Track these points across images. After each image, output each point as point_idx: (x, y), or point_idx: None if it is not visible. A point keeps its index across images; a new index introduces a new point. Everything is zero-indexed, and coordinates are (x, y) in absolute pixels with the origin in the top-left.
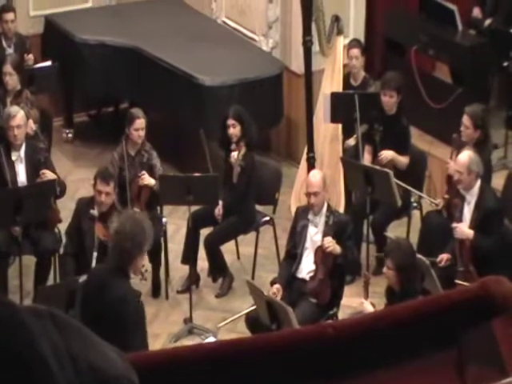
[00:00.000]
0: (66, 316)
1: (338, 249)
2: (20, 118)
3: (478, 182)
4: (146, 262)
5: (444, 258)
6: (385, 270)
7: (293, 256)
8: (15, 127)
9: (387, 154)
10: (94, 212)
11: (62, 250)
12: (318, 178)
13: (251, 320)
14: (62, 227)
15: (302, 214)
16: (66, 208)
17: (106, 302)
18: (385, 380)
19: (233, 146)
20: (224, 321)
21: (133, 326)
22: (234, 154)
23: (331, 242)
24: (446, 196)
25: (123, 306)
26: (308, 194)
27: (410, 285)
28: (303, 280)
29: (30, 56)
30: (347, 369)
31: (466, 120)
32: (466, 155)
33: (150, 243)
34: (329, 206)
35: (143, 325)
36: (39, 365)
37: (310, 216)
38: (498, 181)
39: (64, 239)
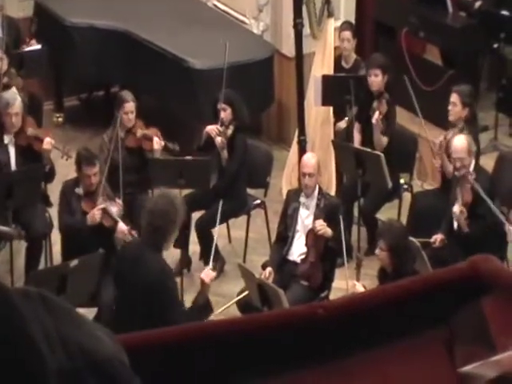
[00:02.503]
0: (56, 298)
1: (329, 232)
2: (18, 106)
3: (473, 162)
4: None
5: (438, 238)
6: (377, 251)
7: (284, 239)
8: (13, 115)
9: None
10: (79, 190)
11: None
12: (312, 160)
13: (243, 303)
14: (52, 211)
15: (294, 196)
16: (57, 192)
17: (143, 276)
18: (375, 359)
19: (222, 129)
20: (215, 304)
21: (172, 298)
22: (219, 139)
23: (322, 224)
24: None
25: (162, 279)
26: (303, 174)
27: (403, 265)
28: (294, 263)
29: (33, 41)
30: (338, 349)
31: (453, 98)
32: (463, 139)
33: (182, 218)
34: (320, 188)
35: (179, 297)
36: (30, 349)
37: (302, 198)
38: (488, 162)
39: (55, 223)
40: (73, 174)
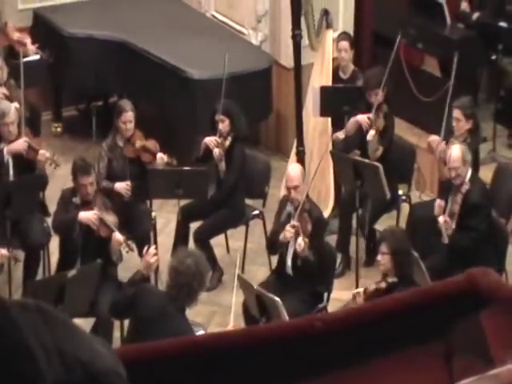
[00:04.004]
0: (53, 310)
1: (306, 251)
2: (13, 114)
3: (470, 172)
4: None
5: (442, 219)
6: (379, 257)
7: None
8: (10, 124)
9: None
10: (77, 200)
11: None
12: (297, 172)
13: (246, 312)
14: (50, 221)
15: (286, 203)
16: (55, 201)
17: (163, 335)
18: (373, 371)
19: (220, 140)
20: (213, 314)
21: None
22: (216, 151)
23: (303, 245)
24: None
25: None
26: (288, 189)
27: (405, 270)
28: (289, 276)
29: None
30: (336, 360)
31: (456, 113)
32: (458, 149)
33: (208, 279)
34: (307, 198)
35: None
36: (27, 361)
37: (289, 208)
38: (486, 173)
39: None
40: (71, 184)
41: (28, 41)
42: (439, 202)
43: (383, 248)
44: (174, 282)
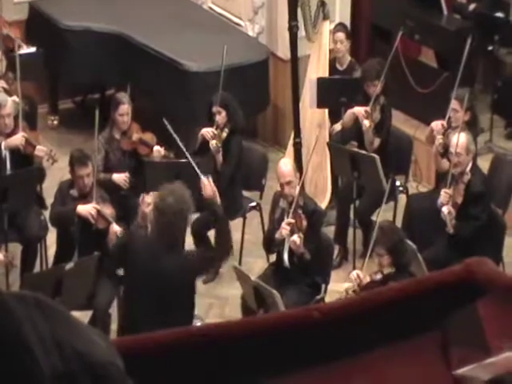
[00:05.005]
0: (51, 302)
1: (301, 248)
2: (9, 107)
3: (471, 163)
4: None
5: (447, 210)
6: (378, 260)
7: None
8: (5, 116)
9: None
10: (74, 192)
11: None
12: (289, 167)
13: (246, 304)
14: (47, 214)
15: (279, 198)
16: (52, 194)
17: (158, 278)
18: (370, 361)
19: (217, 132)
20: (210, 306)
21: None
22: (213, 142)
23: (297, 239)
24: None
25: (180, 278)
26: (281, 185)
27: (400, 258)
28: (286, 268)
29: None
30: (333, 351)
31: (454, 104)
32: (464, 136)
33: (192, 212)
34: (300, 193)
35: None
36: (24, 352)
37: (282, 204)
38: (483, 164)
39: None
40: (68, 177)
41: (17, 39)
42: (447, 190)
43: (378, 250)
44: (156, 220)
